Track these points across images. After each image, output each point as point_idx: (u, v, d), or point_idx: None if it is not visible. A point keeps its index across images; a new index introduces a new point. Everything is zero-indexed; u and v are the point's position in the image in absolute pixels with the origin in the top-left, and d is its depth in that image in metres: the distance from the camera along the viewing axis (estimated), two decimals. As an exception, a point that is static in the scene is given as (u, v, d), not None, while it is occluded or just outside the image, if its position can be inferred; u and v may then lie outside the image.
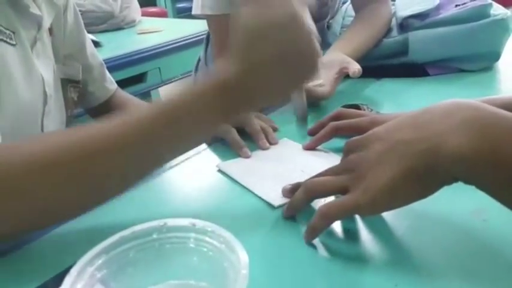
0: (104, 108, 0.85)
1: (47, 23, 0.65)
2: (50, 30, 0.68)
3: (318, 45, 0.44)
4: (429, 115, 0.39)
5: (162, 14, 3.73)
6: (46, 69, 0.65)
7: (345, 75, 0.78)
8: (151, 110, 0.42)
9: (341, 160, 0.45)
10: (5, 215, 0.38)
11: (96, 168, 0.40)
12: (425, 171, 0.36)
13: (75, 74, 0.76)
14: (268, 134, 0.64)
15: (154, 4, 3.97)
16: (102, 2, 1.58)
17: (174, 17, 3.79)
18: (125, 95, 0.90)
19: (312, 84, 0.73)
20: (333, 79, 0.76)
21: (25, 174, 0.38)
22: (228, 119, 0.47)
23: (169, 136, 0.42)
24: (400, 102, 0.78)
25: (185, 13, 3.92)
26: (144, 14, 1.88)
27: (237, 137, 0.62)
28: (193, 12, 1.05)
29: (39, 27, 0.63)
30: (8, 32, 0.56)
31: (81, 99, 0.81)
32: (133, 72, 1.37)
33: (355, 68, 0.75)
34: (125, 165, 0.41)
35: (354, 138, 0.44)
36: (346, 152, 0.44)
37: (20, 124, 0.57)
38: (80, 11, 0.82)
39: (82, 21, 0.80)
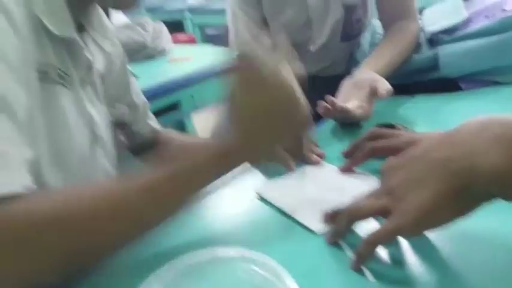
0: (148, 146, 0.87)
1: (98, 67, 0.68)
2: (100, 74, 0.70)
3: (304, 104, 0.51)
4: (463, 133, 0.39)
5: (191, 41, 3.84)
6: (96, 112, 0.67)
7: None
8: (157, 173, 0.47)
9: (380, 182, 0.46)
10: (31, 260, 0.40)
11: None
12: (462, 190, 0.37)
13: (123, 116, 0.79)
14: (314, 149, 0.67)
15: (182, 30, 4.08)
16: (135, 33, 1.64)
17: (203, 42, 3.88)
18: (167, 132, 0.92)
19: (350, 105, 0.74)
20: (367, 99, 0.76)
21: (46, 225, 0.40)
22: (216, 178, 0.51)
23: (172, 189, 0.47)
24: (435, 119, 0.78)
25: (213, 39, 4.02)
26: (173, 41, 1.93)
27: (283, 152, 0.64)
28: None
29: (90, 70, 0.65)
30: (63, 74, 0.58)
31: (126, 139, 0.84)
32: (168, 101, 1.42)
33: (384, 89, 0.75)
34: (129, 223, 0.44)
35: (391, 160, 0.44)
36: (384, 174, 0.45)
37: (72, 163, 0.59)
38: (113, 43, 0.85)
39: (127, 63, 0.82)
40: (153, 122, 0.89)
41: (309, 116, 0.52)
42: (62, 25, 0.56)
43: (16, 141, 0.43)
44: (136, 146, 0.87)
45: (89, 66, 0.64)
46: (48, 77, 0.55)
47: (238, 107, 0.50)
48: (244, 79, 0.50)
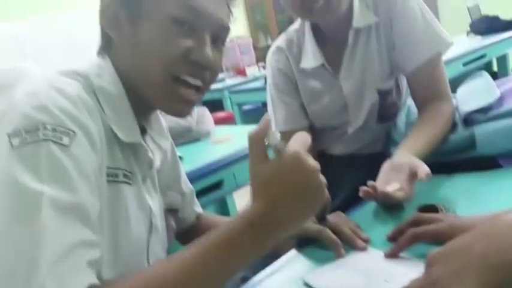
0: (191, 230, 0.91)
1: (157, 163, 0.75)
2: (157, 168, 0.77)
3: (322, 179, 0.54)
4: (500, 226, 0.42)
5: (230, 118, 4.01)
6: (154, 203, 0.73)
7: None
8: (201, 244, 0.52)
9: (424, 272, 0.47)
10: None
11: None
12: (502, 283, 0.38)
13: (175, 203, 0.85)
14: (359, 234, 0.69)
15: (222, 108, 4.28)
16: (181, 118, 1.76)
17: (241, 118, 4.04)
18: (207, 215, 0.97)
19: (390, 189, 0.77)
20: (407, 182, 0.78)
21: None
22: (259, 249, 0.53)
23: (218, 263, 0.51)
24: (475, 199, 0.79)
25: (250, 115, 4.19)
26: (214, 119, 2.03)
27: (333, 235, 0.67)
28: None
29: (151, 167, 0.72)
30: (128, 173, 0.65)
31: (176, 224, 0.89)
32: (211, 181, 1.47)
33: (423, 172, 0.77)
34: None
35: (436, 251, 0.46)
36: (428, 264, 0.47)
37: (129, 254, 0.64)
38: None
39: (178, 154, 0.89)
40: (198, 208, 0.94)
41: (328, 197, 0.55)
42: (129, 132, 0.64)
43: (87, 244, 0.50)
44: (182, 232, 0.91)
45: (151, 164, 0.71)
46: (116, 179, 0.62)
47: (268, 182, 0.53)
48: (278, 163, 0.53)
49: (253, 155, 0.54)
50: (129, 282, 0.50)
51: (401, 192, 0.77)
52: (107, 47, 0.68)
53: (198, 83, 0.65)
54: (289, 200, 0.52)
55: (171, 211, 0.85)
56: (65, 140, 0.52)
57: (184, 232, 0.91)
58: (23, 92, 0.55)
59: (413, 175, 0.79)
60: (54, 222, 0.47)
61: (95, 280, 0.48)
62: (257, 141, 0.54)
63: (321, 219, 0.67)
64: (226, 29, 0.68)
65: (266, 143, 0.53)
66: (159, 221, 0.74)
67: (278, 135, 0.54)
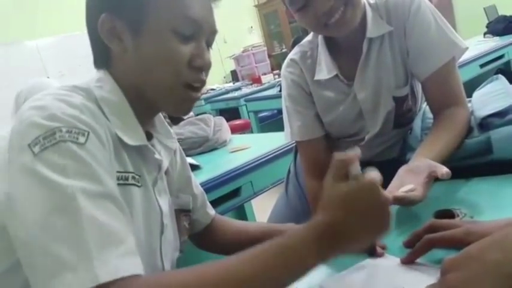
0: (206, 232, 0.94)
1: (165, 164, 0.78)
2: (166, 170, 0.80)
3: (390, 211, 0.56)
4: None
5: (247, 125, 4.05)
6: (164, 203, 0.75)
7: (433, 179, 0.81)
8: (267, 247, 0.53)
9: (440, 278, 0.48)
10: None
11: None
12: None
13: (186, 204, 0.87)
14: (376, 241, 0.70)
15: (238, 116, 4.32)
16: (198, 128, 1.79)
17: (257, 125, 4.07)
18: (222, 218, 0.99)
19: (403, 189, 0.78)
20: (423, 183, 0.78)
21: None
22: (321, 259, 0.54)
23: (282, 268, 0.51)
24: (493, 203, 0.78)
25: (266, 121, 4.22)
26: (230, 127, 2.06)
27: None
28: (285, 140, 1.20)
29: (160, 169, 0.75)
30: (136, 176, 0.68)
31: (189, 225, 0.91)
32: (229, 188, 1.50)
33: (443, 170, 0.78)
34: None
35: (451, 258, 0.47)
36: (444, 271, 0.47)
37: (142, 253, 0.65)
38: (180, 138, 0.96)
39: (186, 159, 0.92)
40: (211, 210, 0.96)
41: (390, 229, 0.57)
42: (134, 136, 0.68)
43: (126, 231, 0.53)
44: (197, 234, 0.93)
45: (159, 166, 0.74)
46: (126, 182, 0.65)
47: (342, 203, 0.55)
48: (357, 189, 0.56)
49: (335, 173, 0.57)
50: (182, 274, 0.51)
51: (415, 192, 0.77)
52: (104, 58, 0.71)
53: (200, 84, 0.72)
54: (358, 220, 0.54)
55: (183, 211, 0.87)
56: (81, 139, 0.56)
57: (199, 234, 0.94)
58: (31, 108, 0.58)
59: (431, 177, 0.79)
60: (92, 209, 0.51)
61: (141, 266, 0.51)
62: (341, 165, 0.57)
63: (371, 249, 0.69)
64: (215, 33, 0.74)
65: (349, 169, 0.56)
66: (169, 221, 0.77)
67: (359, 169, 0.57)
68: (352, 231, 0.54)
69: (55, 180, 0.51)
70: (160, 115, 0.82)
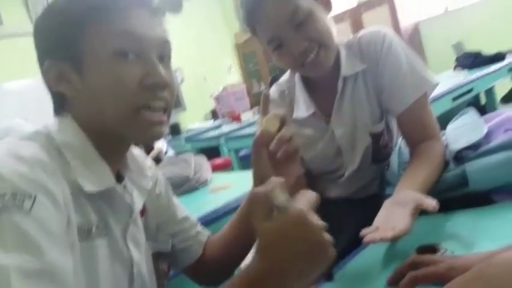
0: (199, 262, 0.88)
1: (138, 206, 0.73)
2: (142, 211, 0.76)
3: (327, 237, 0.52)
4: (498, 265, 0.43)
5: (227, 164, 4.04)
6: (137, 250, 0.71)
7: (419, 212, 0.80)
8: None
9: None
10: None
11: None
12: None
13: (165, 246, 0.84)
14: None
15: (218, 154, 4.32)
16: (179, 168, 1.78)
17: (238, 163, 4.07)
18: (213, 239, 0.93)
19: (387, 226, 0.77)
20: (409, 216, 0.78)
21: None
22: None
23: None
24: (473, 237, 0.78)
25: (247, 160, 4.23)
26: (211, 166, 2.04)
27: None
28: None
29: (132, 212, 0.71)
30: (100, 225, 0.64)
31: (175, 264, 0.88)
32: (212, 230, 1.47)
33: (433, 203, 0.78)
34: None
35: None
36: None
37: None
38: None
39: (170, 187, 0.88)
40: (203, 236, 0.91)
41: (334, 255, 0.53)
42: (100, 179, 0.64)
43: None
44: (191, 266, 0.88)
45: (130, 210, 0.70)
46: (88, 235, 0.61)
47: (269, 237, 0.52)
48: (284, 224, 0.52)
49: (258, 213, 0.54)
50: None
51: (401, 226, 0.75)
52: (61, 104, 0.68)
53: (161, 104, 0.67)
54: (294, 261, 0.51)
55: (162, 254, 0.84)
56: (27, 204, 0.52)
57: (193, 265, 0.89)
58: None
59: (417, 209, 0.79)
60: None
61: None
62: (262, 201, 0.54)
63: (328, 277, 0.66)
64: (168, 44, 0.69)
65: (272, 202, 0.53)
66: (143, 268, 0.73)
67: (283, 195, 0.54)
68: (290, 274, 0.51)
69: None
70: (133, 153, 0.78)
